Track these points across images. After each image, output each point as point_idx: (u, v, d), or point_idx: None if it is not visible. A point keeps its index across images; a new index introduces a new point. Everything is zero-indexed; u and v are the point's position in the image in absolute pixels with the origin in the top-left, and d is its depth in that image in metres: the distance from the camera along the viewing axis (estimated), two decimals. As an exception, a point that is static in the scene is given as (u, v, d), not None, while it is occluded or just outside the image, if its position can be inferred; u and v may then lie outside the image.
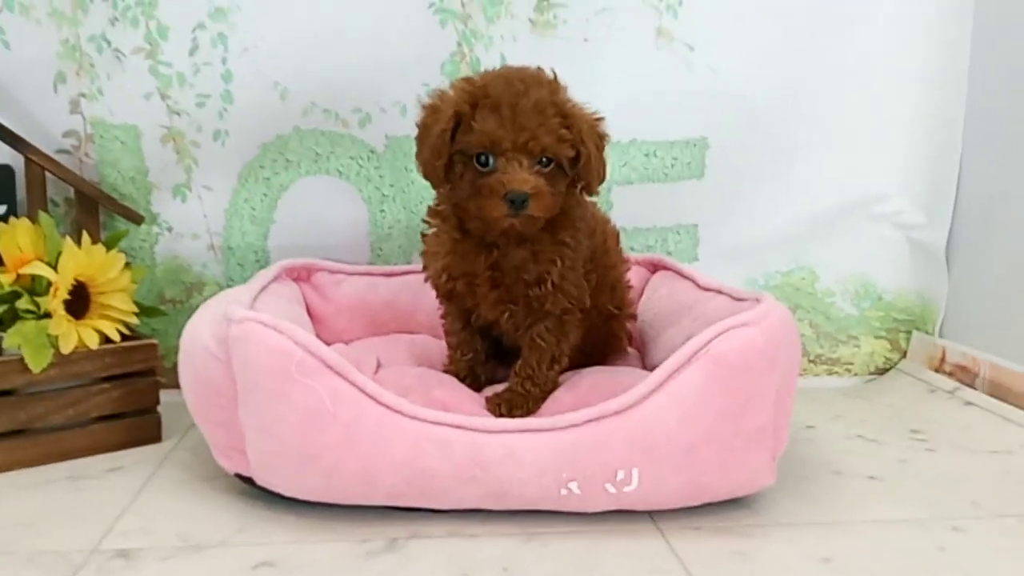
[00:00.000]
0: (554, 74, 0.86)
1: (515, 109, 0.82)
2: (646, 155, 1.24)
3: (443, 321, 0.99)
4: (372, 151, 1.20)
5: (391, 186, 1.21)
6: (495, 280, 0.88)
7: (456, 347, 0.98)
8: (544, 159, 0.83)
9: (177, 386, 0.89)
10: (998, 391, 1.14)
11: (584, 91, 1.21)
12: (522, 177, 0.81)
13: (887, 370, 1.31)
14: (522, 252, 0.87)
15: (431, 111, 0.86)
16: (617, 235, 1.04)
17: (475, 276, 0.89)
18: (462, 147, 0.84)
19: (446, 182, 0.86)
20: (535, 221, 0.84)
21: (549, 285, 0.87)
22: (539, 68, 0.86)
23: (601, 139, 0.88)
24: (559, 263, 0.87)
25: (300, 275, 1.12)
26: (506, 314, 0.90)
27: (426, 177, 0.87)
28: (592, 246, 0.95)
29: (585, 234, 0.92)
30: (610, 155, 1.19)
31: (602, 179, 0.89)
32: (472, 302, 0.91)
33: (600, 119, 0.89)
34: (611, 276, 1.00)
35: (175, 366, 0.89)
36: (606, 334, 1.02)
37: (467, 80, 0.86)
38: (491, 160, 0.83)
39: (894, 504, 0.86)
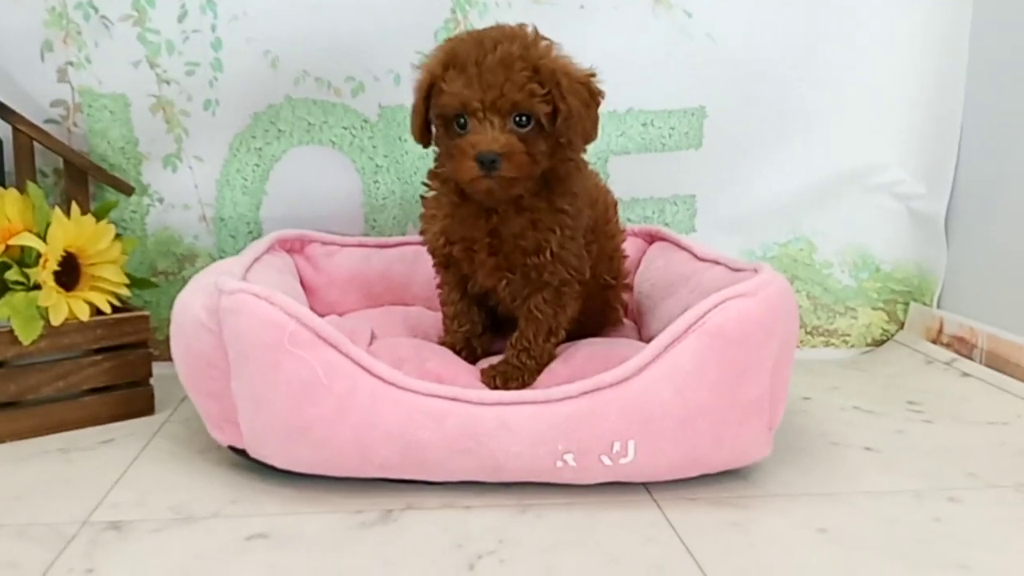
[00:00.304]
0: (535, 30, 0.84)
1: (481, 67, 0.80)
2: (643, 124, 1.23)
3: (439, 291, 0.98)
4: (365, 121, 1.18)
5: (385, 156, 1.20)
6: (493, 246, 0.87)
7: (453, 318, 0.97)
8: (520, 117, 0.81)
9: (169, 358, 0.88)
10: (996, 362, 1.13)
11: (580, 59, 1.20)
12: (491, 136, 0.80)
13: (884, 342, 1.31)
14: (521, 220, 0.86)
15: (417, 77, 0.85)
16: (616, 205, 1.03)
17: (473, 241, 0.88)
18: (437, 110, 0.83)
19: (434, 146, 0.86)
20: (513, 183, 0.82)
21: (548, 254, 0.86)
22: (520, 25, 0.84)
23: (592, 95, 0.84)
24: (558, 232, 0.86)
25: (293, 246, 1.11)
26: (504, 282, 0.89)
27: (417, 142, 0.87)
28: (594, 216, 0.93)
29: (587, 203, 0.91)
30: (607, 122, 1.20)
31: (588, 138, 0.85)
32: (469, 268, 0.90)
33: (590, 75, 0.85)
34: (609, 246, 0.99)
35: (167, 338, 0.88)
36: (601, 304, 1.01)
37: (444, 42, 0.85)
38: (466, 121, 0.81)
39: (890, 475, 0.86)
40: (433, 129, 0.87)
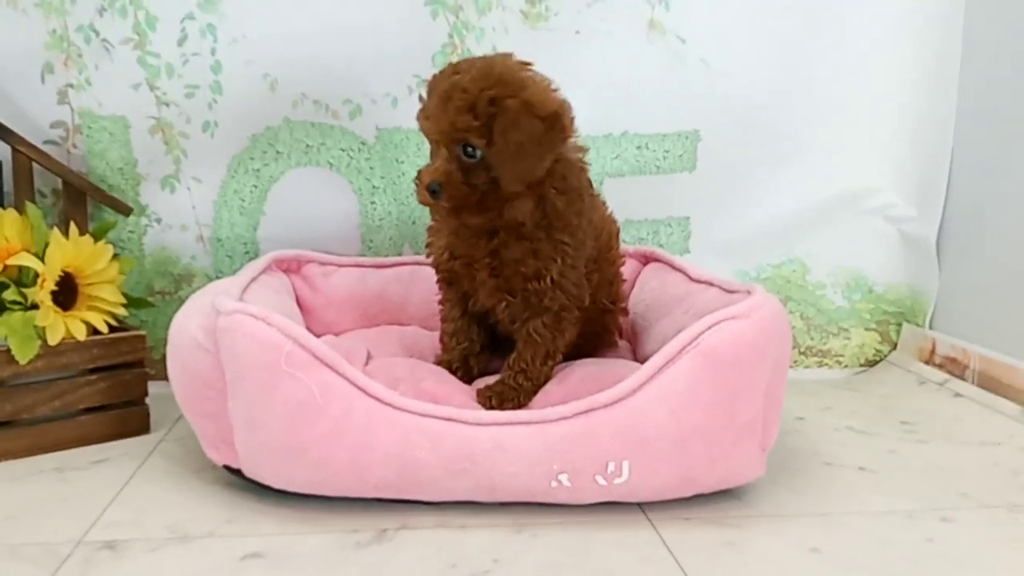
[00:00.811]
0: (516, 61, 0.83)
1: (431, 97, 0.83)
2: (638, 147, 1.24)
3: (440, 308, 0.99)
4: (363, 143, 1.19)
5: (382, 178, 1.21)
6: (494, 268, 0.88)
7: (452, 335, 0.97)
8: (468, 148, 0.82)
9: (166, 378, 0.88)
10: (988, 383, 1.14)
11: (576, 83, 1.21)
12: (433, 166, 0.83)
13: (877, 362, 1.32)
14: (521, 247, 0.86)
15: None
16: (618, 233, 1.03)
17: (474, 259, 0.88)
18: None
19: None
20: (458, 210, 0.83)
21: (548, 281, 0.87)
22: (503, 55, 0.84)
23: (549, 131, 0.81)
24: (559, 261, 0.87)
25: (290, 267, 1.12)
26: (504, 304, 0.89)
27: None
28: (597, 246, 0.94)
29: (590, 235, 0.91)
30: (602, 144, 1.21)
31: (524, 175, 0.82)
32: (471, 287, 0.91)
33: (555, 111, 0.82)
34: (610, 272, 0.99)
35: (163, 358, 0.88)
36: (599, 328, 1.02)
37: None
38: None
39: (883, 495, 0.87)
40: None
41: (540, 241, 0.86)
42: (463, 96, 0.80)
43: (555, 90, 0.85)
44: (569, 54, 1.18)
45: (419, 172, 0.84)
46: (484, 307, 0.92)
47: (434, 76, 0.85)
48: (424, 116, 0.83)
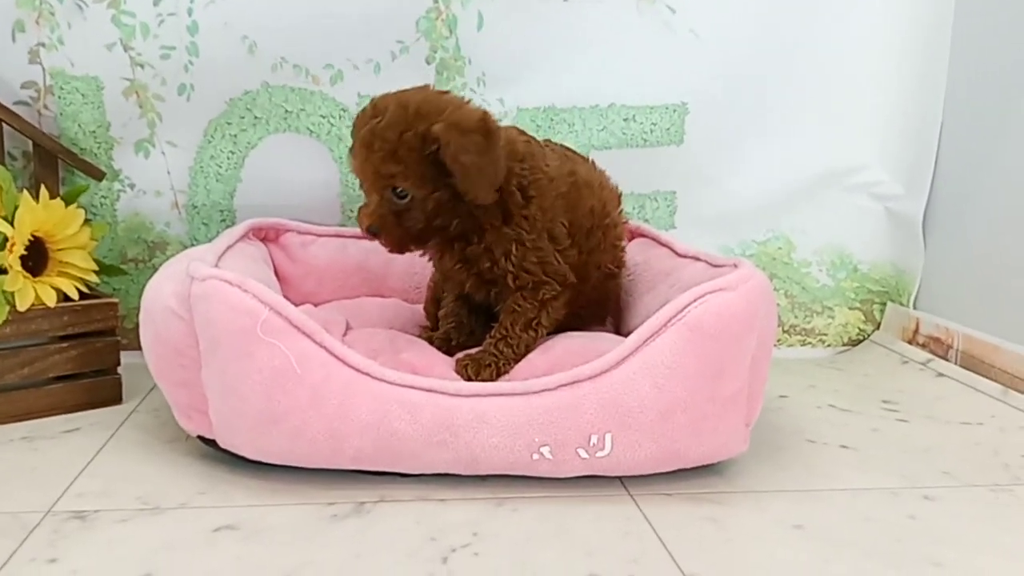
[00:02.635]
0: (430, 90, 0.85)
1: (355, 145, 0.84)
2: (625, 120, 1.22)
3: (431, 284, 1.01)
4: (344, 110, 1.16)
5: (363, 146, 1.18)
6: (467, 271, 0.89)
7: (444, 317, 0.97)
8: (397, 190, 0.83)
9: (138, 348, 0.86)
10: (971, 363, 1.14)
11: (563, 52, 1.19)
12: (365, 212, 0.84)
13: (860, 341, 1.31)
14: (478, 248, 0.87)
15: None
16: (619, 196, 1.01)
17: (451, 269, 0.91)
18: None
19: None
20: (401, 246, 0.86)
21: (510, 268, 0.87)
22: (421, 88, 0.86)
23: (487, 138, 0.82)
24: (514, 249, 0.87)
25: (268, 235, 1.09)
26: (492, 292, 0.91)
27: None
28: (592, 216, 0.93)
29: (561, 211, 0.90)
30: (588, 116, 1.20)
31: (493, 183, 0.82)
32: (461, 285, 0.93)
33: (481, 119, 0.82)
34: (612, 235, 0.98)
35: (136, 327, 0.86)
36: (603, 294, 1.00)
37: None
38: None
39: (866, 473, 0.86)
40: None
41: (491, 239, 0.87)
42: (383, 143, 0.81)
43: (469, 102, 0.86)
44: (557, 23, 1.16)
45: (359, 210, 0.85)
46: (476, 297, 0.93)
47: (357, 116, 0.85)
48: (352, 158, 0.84)
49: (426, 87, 0.86)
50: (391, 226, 0.84)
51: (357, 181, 0.88)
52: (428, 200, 0.83)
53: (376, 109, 0.83)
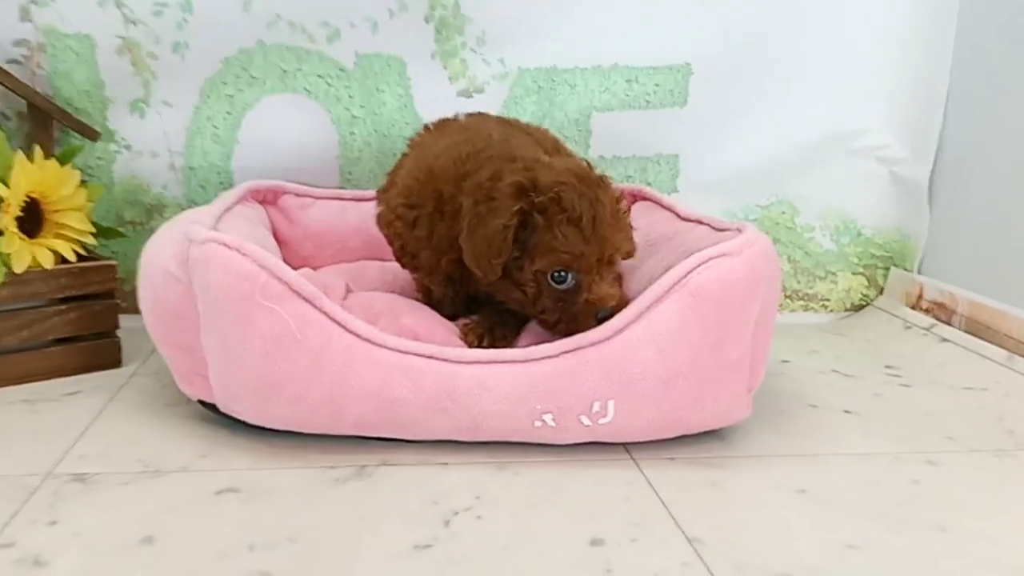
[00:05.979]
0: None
1: (605, 216, 0.82)
2: (628, 81, 1.20)
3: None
4: (341, 69, 1.14)
5: (361, 107, 1.16)
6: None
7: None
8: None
9: (136, 312, 0.85)
10: (975, 328, 1.13)
11: (565, 13, 1.17)
12: (604, 293, 0.82)
13: (864, 306, 1.30)
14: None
15: None
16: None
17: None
18: None
19: None
20: None
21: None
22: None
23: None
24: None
25: (266, 198, 1.08)
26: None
27: None
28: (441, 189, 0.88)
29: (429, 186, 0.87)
30: (590, 77, 1.18)
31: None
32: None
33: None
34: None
35: (134, 290, 0.85)
36: None
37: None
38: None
39: (869, 438, 0.86)
40: None
41: None
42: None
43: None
44: (560, -19, 1.14)
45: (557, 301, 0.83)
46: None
47: (580, 188, 0.82)
48: (593, 231, 0.82)
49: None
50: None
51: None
52: None
53: (603, 184, 0.83)
